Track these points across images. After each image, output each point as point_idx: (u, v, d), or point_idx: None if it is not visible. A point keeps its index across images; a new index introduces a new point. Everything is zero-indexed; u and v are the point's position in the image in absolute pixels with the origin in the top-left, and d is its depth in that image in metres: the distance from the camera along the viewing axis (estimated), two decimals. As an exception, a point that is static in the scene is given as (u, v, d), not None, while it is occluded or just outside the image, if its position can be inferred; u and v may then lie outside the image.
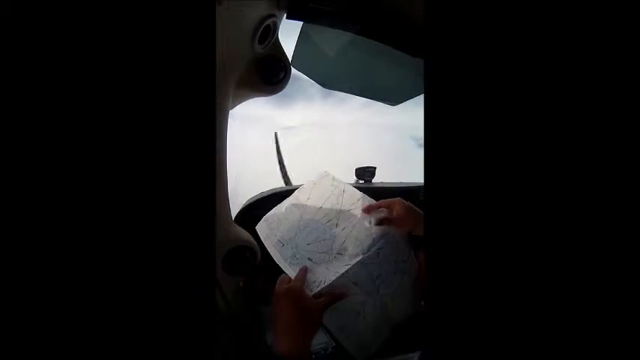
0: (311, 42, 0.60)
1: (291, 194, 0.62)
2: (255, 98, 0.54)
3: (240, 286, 0.58)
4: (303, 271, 0.50)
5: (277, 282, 0.50)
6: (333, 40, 0.61)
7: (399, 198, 0.55)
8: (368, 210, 0.55)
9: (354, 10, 0.51)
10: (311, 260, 0.51)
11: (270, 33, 0.46)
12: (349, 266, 0.49)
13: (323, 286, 0.48)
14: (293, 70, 0.52)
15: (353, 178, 1.05)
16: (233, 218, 0.54)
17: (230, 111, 0.47)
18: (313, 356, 0.53)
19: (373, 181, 1.05)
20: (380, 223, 0.53)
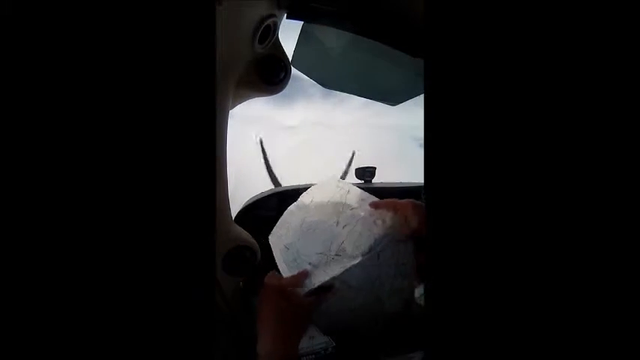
0: (311, 42, 0.60)
1: (290, 194, 0.62)
2: (255, 98, 0.54)
3: (240, 286, 0.58)
4: (301, 274, 0.48)
5: (266, 277, 0.47)
6: (333, 40, 0.61)
7: (411, 200, 0.52)
8: (376, 205, 0.52)
9: (354, 9, 0.51)
10: (311, 264, 0.50)
11: (270, 33, 0.46)
12: (345, 268, 0.48)
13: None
14: (293, 70, 0.52)
15: (353, 179, 1.05)
16: (233, 218, 0.54)
17: (230, 111, 0.47)
18: (313, 356, 0.53)
19: (373, 181, 1.05)
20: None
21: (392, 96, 0.80)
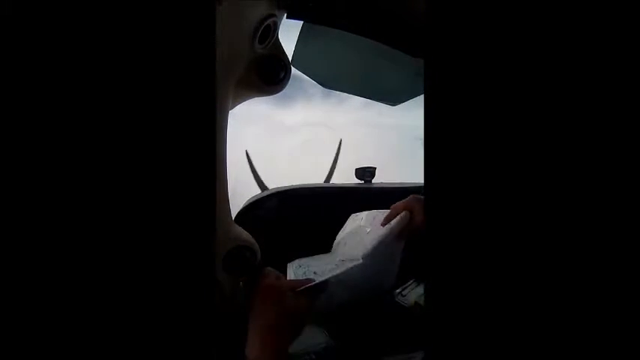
0: (311, 42, 0.60)
1: (290, 194, 0.62)
2: (256, 98, 0.54)
3: (240, 286, 0.58)
4: (304, 281, 0.46)
5: (263, 274, 0.45)
6: (333, 40, 0.61)
7: (413, 196, 0.52)
8: (387, 220, 0.52)
9: (354, 9, 0.51)
10: (315, 273, 0.50)
11: (270, 33, 0.46)
12: (345, 268, 0.48)
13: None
14: (293, 70, 0.52)
15: (353, 179, 1.05)
16: (233, 218, 0.54)
17: (230, 111, 0.47)
18: (313, 356, 0.53)
19: (373, 181, 1.05)
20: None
21: (392, 96, 0.80)
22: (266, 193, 0.90)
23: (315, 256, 0.57)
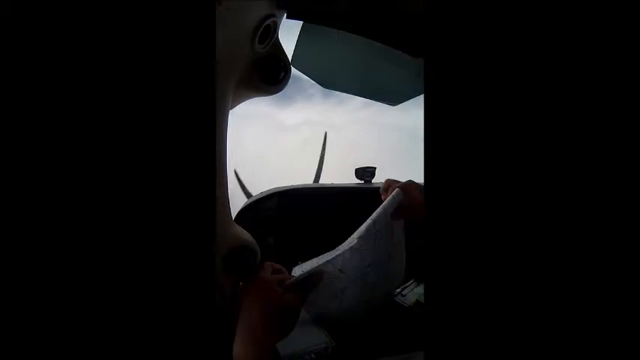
0: (311, 42, 0.60)
1: (290, 194, 0.62)
2: (255, 98, 0.54)
3: (240, 287, 0.58)
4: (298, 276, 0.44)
5: (261, 268, 0.42)
6: (333, 40, 0.61)
7: (412, 180, 0.52)
8: (384, 192, 0.51)
9: (354, 9, 0.51)
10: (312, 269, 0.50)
11: (270, 33, 0.46)
12: (339, 252, 0.46)
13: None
14: (293, 70, 0.52)
15: (353, 179, 1.05)
16: (233, 218, 0.54)
17: (230, 111, 0.47)
18: (313, 356, 0.53)
19: (373, 181, 1.05)
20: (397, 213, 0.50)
21: (392, 96, 0.80)
22: (266, 193, 0.90)
23: (319, 257, 0.56)
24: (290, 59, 0.52)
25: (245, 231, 0.53)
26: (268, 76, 0.50)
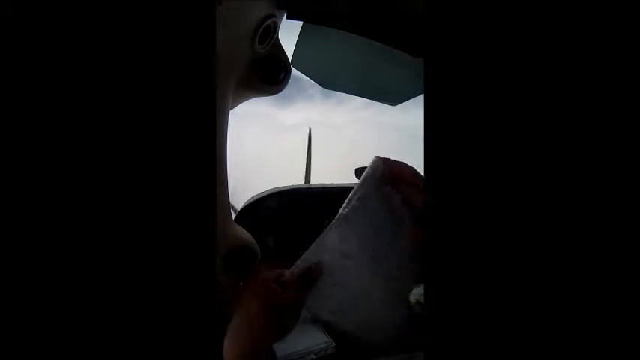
0: (311, 42, 0.60)
1: (290, 194, 0.62)
2: (255, 98, 0.54)
3: (240, 287, 0.58)
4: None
5: (261, 267, 0.41)
6: (333, 40, 0.61)
7: (411, 168, 0.47)
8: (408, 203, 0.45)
9: (354, 9, 0.51)
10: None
11: (270, 33, 0.46)
12: (326, 230, 0.43)
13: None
14: (293, 70, 0.52)
15: (353, 179, 1.05)
16: (233, 218, 0.54)
17: (230, 111, 0.47)
18: (313, 356, 0.53)
19: (373, 181, 1.05)
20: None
21: (392, 96, 0.80)
22: (266, 192, 0.91)
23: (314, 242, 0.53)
24: (290, 59, 0.52)
25: (245, 231, 0.53)
26: (268, 76, 0.50)
